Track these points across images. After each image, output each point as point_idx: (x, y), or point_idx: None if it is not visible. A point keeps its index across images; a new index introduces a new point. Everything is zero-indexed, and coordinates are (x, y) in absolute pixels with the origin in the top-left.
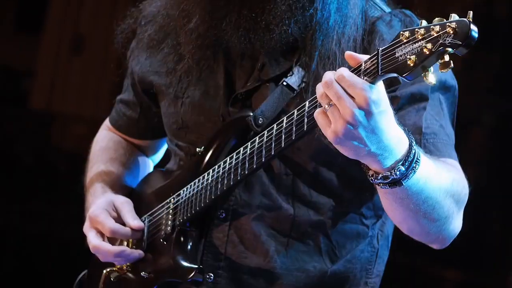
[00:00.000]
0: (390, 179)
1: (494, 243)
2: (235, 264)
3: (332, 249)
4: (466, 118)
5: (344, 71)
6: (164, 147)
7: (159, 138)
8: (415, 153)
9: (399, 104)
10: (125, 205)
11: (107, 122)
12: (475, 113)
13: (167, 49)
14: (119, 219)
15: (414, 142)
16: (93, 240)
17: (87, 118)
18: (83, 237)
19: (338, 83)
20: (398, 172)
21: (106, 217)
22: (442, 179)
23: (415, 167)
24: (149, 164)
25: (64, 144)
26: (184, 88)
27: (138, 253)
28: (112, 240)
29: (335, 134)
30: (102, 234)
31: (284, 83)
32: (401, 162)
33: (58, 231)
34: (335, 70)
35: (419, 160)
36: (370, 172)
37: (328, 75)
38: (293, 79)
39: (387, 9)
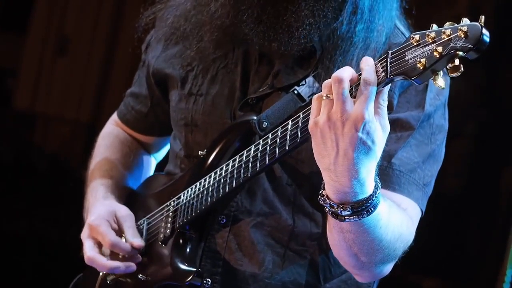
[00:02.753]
0: (334, 210)
1: (473, 252)
2: (232, 271)
3: (328, 266)
4: (448, 129)
5: (370, 78)
6: (168, 146)
7: (166, 136)
8: (369, 205)
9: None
10: (127, 219)
11: (114, 116)
12: (457, 124)
13: (190, 27)
14: (119, 232)
15: (376, 196)
16: (89, 251)
17: (70, 120)
18: (62, 237)
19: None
20: (344, 212)
21: (107, 228)
22: (389, 234)
23: (363, 214)
24: (151, 163)
25: (46, 145)
26: (198, 85)
27: (132, 268)
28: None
29: (315, 123)
30: (99, 245)
31: (295, 92)
32: (351, 205)
33: (36, 231)
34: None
35: (371, 211)
36: (324, 192)
37: (345, 72)
38: (305, 89)
39: None
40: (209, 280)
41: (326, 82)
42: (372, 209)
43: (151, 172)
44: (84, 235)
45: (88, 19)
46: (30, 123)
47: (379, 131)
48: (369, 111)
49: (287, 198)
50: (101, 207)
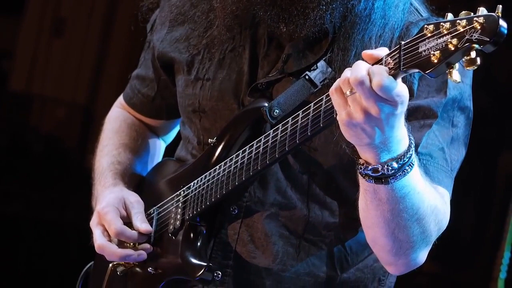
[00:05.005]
0: (380, 173)
1: (471, 235)
2: (244, 263)
3: (345, 256)
4: None
5: (384, 76)
6: (177, 128)
7: (174, 119)
8: (411, 156)
9: (404, 115)
10: (135, 205)
11: (120, 99)
12: None
13: (198, 13)
14: (127, 219)
15: (413, 144)
16: (99, 239)
17: (66, 101)
18: (57, 219)
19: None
20: (390, 168)
21: (115, 216)
22: (425, 202)
23: (407, 169)
24: (160, 146)
25: (42, 127)
26: (205, 69)
27: (143, 256)
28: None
29: (349, 117)
30: (108, 233)
31: (306, 77)
32: (396, 160)
33: (32, 212)
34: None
35: (412, 165)
36: (361, 161)
37: (361, 70)
38: (316, 74)
39: (425, 15)
40: (220, 273)
41: (344, 79)
42: (413, 163)
43: (160, 155)
44: (93, 223)
45: (84, 0)
46: (26, 104)
47: (406, 89)
48: (396, 90)
49: (301, 187)
50: (110, 195)
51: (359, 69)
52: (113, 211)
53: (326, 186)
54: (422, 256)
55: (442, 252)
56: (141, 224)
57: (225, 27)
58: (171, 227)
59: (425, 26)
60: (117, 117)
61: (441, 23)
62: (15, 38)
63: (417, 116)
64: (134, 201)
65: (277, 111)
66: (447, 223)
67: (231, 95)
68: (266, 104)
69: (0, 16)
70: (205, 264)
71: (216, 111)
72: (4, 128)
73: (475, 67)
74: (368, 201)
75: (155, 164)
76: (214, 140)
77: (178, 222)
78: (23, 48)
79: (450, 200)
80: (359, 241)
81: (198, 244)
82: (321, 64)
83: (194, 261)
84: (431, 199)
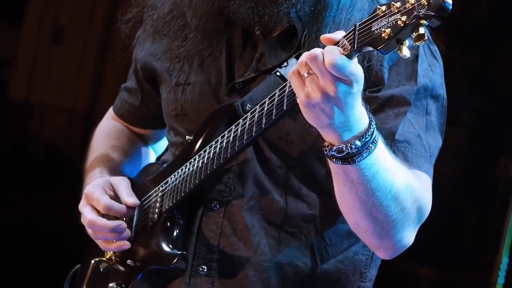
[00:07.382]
0: (345, 153)
1: (469, 240)
2: (228, 256)
3: (324, 247)
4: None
5: (336, 55)
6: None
7: (161, 128)
8: (373, 132)
9: (378, 105)
10: (121, 182)
11: (110, 111)
12: (454, 112)
13: (174, 28)
14: (115, 197)
15: (374, 122)
16: (89, 215)
17: (67, 109)
18: (58, 227)
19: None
20: (353, 146)
21: (102, 193)
22: (397, 179)
23: (371, 147)
24: (149, 154)
25: (43, 135)
26: (186, 75)
27: (128, 233)
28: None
29: (307, 98)
30: (97, 211)
31: (278, 73)
32: (358, 138)
33: (33, 220)
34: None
35: (376, 142)
36: (325, 143)
37: (315, 50)
38: (287, 70)
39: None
40: (205, 267)
41: (301, 61)
42: (376, 140)
43: (149, 161)
44: (82, 205)
45: (84, 8)
46: (26, 113)
47: (360, 68)
48: (349, 69)
49: (278, 181)
50: (96, 180)
51: (313, 50)
52: (99, 190)
53: (304, 178)
54: (407, 237)
55: (440, 256)
56: (128, 197)
57: (199, 31)
58: (149, 221)
59: (378, 7)
60: (106, 125)
61: (392, 3)
62: (15, 47)
63: (391, 105)
64: (120, 178)
65: (249, 105)
66: (430, 207)
67: (211, 97)
68: (239, 100)
69: (0, 24)
70: (179, 252)
71: (198, 113)
72: (4, 136)
73: (423, 42)
74: (341, 185)
75: (141, 168)
76: (191, 137)
77: (156, 216)
78: (23, 56)
79: (449, 201)
80: (338, 233)
81: (174, 234)
82: (292, 61)
83: (169, 250)
84: (403, 177)
